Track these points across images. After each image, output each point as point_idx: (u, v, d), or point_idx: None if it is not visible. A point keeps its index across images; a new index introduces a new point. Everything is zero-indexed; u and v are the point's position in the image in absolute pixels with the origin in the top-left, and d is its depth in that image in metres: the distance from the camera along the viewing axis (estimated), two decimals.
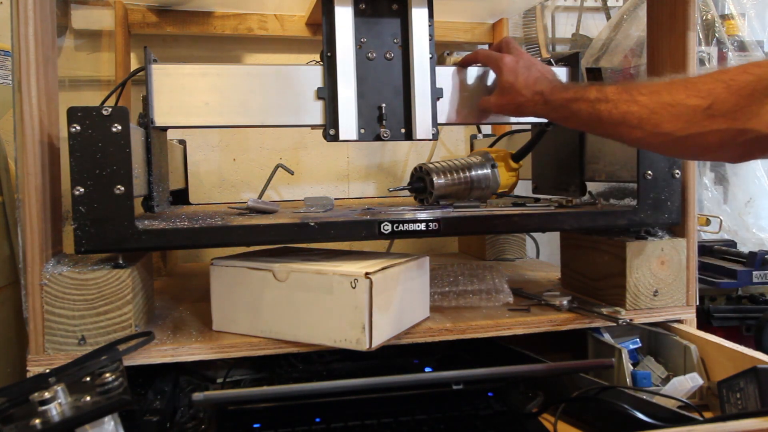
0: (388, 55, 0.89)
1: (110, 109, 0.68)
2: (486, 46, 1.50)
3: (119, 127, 0.68)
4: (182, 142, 1.25)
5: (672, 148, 0.67)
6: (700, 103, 0.60)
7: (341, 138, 0.86)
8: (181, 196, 1.20)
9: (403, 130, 0.89)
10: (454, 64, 0.93)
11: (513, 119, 0.96)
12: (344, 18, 0.86)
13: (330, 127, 0.87)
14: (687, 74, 0.62)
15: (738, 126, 0.57)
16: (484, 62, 0.90)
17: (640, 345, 0.89)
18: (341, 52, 0.86)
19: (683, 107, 0.61)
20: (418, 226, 0.78)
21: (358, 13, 0.88)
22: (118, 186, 0.69)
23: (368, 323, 0.69)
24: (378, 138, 0.88)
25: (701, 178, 1.35)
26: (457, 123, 0.93)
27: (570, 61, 0.98)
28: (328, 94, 0.86)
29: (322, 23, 0.87)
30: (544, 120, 0.94)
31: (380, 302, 0.70)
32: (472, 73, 0.93)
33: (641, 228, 0.88)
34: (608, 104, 0.68)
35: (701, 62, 1.29)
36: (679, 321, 0.88)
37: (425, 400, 0.77)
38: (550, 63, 0.98)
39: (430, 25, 0.90)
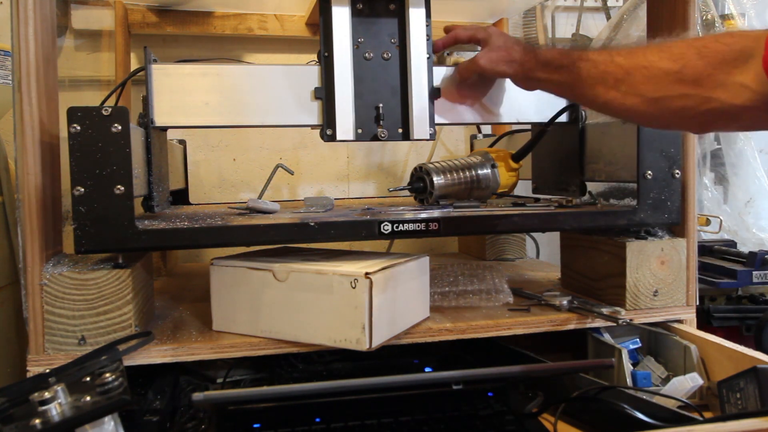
0: (385, 55, 0.89)
1: (110, 109, 0.68)
2: None
3: (119, 127, 0.68)
4: (182, 142, 1.25)
5: (640, 112, 0.68)
6: (672, 66, 0.61)
7: (338, 138, 0.86)
8: (181, 196, 1.20)
9: (400, 130, 0.89)
10: (453, 64, 0.93)
11: (511, 120, 0.96)
12: (341, 18, 0.86)
13: (327, 127, 0.87)
14: (668, 38, 0.65)
15: (703, 93, 0.59)
16: (469, 39, 0.89)
17: (640, 345, 0.89)
18: (338, 52, 0.86)
19: (655, 69, 0.63)
20: (418, 226, 0.78)
21: (355, 13, 0.88)
22: (118, 186, 0.69)
23: (368, 323, 0.69)
24: (375, 138, 0.88)
25: (701, 178, 1.35)
26: (455, 123, 0.93)
27: None
28: (325, 94, 0.86)
29: (320, 23, 0.87)
30: (543, 121, 0.95)
31: (380, 302, 0.70)
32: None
33: (641, 228, 0.88)
34: (588, 63, 0.70)
35: None
36: (679, 321, 0.88)
37: (425, 400, 0.77)
38: None
39: (427, 25, 0.90)
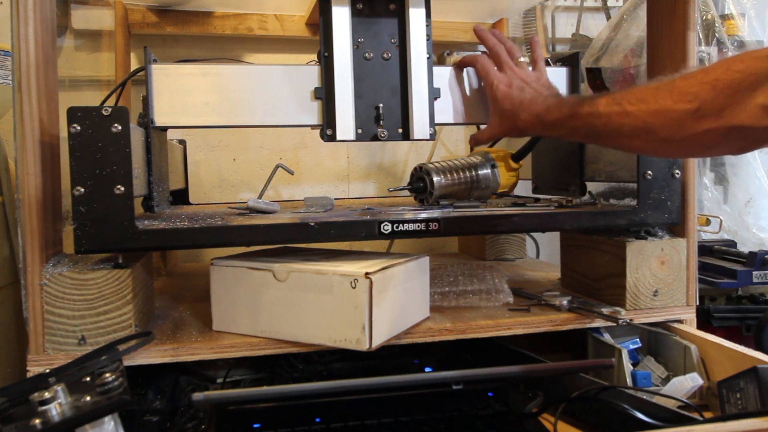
0: (385, 55, 0.89)
1: (110, 109, 0.68)
2: None
3: (119, 127, 0.68)
4: (182, 142, 1.25)
5: (674, 151, 0.68)
6: (688, 107, 0.60)
7: (338, 138, 0.86)
8: (181, 196, 1.20)
9: (400, 130, 0.89)
10: (453, 64, 0.93)
11: None
12: (341, 18, 0.86)
13: (327, 127, 0.87)
14: (674, 75, 0.64)
15: (727, 124, 0.58)
16: (479, 75, 0.90)
17: (640, 345, 0.89)
18: (338, 52, 0.86)
19: (672, 113, 0.62)
20: (418, 226, 0.78)
21: (355, 13, 0.88)
22: (118, 186, 0.69)
23: (368, 323, 0.69)
24: (375, 138, 0.88)
25: (701, 178, 1.35)
26: (455, 123, 0.94)
27: (570, 61, 0.98)
28: (325, 94, 0.86)
29: (320, 23, 0.87)
30: None
31: (380, 302, 0.70)
32: (470, 73, 0.93)
33: (641, 228, 0.88)
34: (601, 118, 0.69)
35: (701, 62, 1.29)
36: (679, 321, 0.88)
37: (425, 400, 0.77)
38: (548, 63, 0.98)
39: (427, 25, 0.90)
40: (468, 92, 0.93)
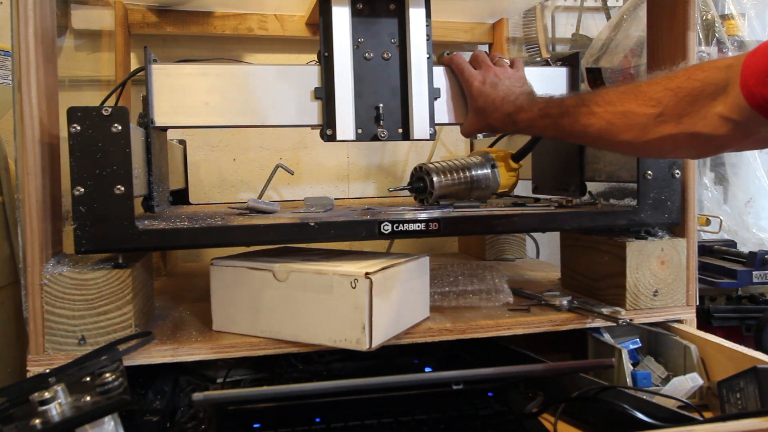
0: (385, 55, 0.89)
1: (110, 109, 0.68)
2: (486, 47, 1.50)
3: (119, 127, 0.68)
4: (182, 142, 1.25)
5: (636, 152, 0.72)
6: (651, 111, 0.63)
7: (338, 138, 0.86)
8: (181, 196, 1.20)
9: (400, 130, 0.89)
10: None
11: None
12: (341, 18, 0.87)
13: (327, 127, 0.87)
14: (639, 80, 0.66)
15: (687, 130, 0.60)
16: (456, 73, 0.91)
17: (640, 345, 0.89)
18: (338, 52, 0.86)
19: (635, 116, 0.64)
20: (418, 226, 0.78)
21: (355, 13, 0.88)
22: (118, 186, 0.69)
23: (368, 323, 0.69)
24: (375, 138, 0.88)
25: (701, 178, 1.35)
26: (455, 123, 0.94)
27: (570, 61, 0.98)
28: (325, 94, 0.86)
29: (320, 23, 0.87)
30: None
31: (380, 302, 0.70)
32: None
33: (641, 228, 0.88)
34: (569, 118, 0.71)
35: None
36: (679, 321, 0.88)
37: (425, 400, 0.77)
38: (548, 63, 0.99)
39: (427, 25, 0.90)
40: None
